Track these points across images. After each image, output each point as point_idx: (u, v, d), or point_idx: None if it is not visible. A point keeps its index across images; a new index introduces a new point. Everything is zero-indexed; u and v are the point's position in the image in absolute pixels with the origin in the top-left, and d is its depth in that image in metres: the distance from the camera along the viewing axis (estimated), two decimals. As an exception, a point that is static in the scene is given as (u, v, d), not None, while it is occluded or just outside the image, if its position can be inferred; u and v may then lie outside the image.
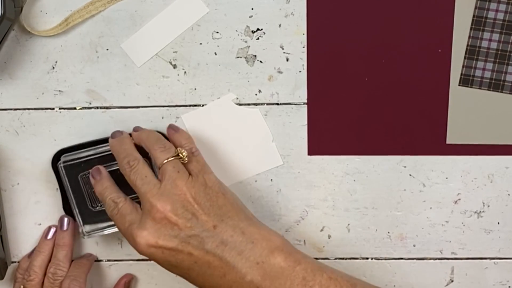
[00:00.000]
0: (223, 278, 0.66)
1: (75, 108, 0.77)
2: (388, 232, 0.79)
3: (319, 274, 0.66)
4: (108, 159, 0.74)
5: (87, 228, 0.76)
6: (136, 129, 0.74)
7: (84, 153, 0.76)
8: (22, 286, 0.77)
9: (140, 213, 0.69)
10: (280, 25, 0.74)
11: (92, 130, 0.77)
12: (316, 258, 0.80)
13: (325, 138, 0.76)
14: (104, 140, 0.76)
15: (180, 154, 0.70)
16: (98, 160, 0.75)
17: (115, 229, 0.75)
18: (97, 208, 0.76)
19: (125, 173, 0.70)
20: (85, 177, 0.75)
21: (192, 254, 0.66)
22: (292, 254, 0.67)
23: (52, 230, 0.78)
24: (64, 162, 0.75)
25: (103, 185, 0.72)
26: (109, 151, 0.74)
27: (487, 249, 0.79)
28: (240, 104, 0.76)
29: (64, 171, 0.75)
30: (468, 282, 0.80)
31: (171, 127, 0.75)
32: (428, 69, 0.74)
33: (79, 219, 0.76)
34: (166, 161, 0.69)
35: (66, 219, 0.77)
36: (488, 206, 0.78)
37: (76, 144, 0.77)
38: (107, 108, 0.77)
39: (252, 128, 0.76)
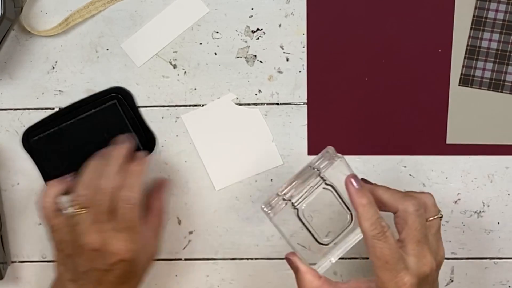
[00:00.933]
0: None
1: (75, 108, 0.77)
2: (388, 232, 0.79)
3: None
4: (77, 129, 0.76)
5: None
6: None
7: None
8: (74, 203, 0.71)
9: (402, 248, 0.66)
10: (280, 25, 0.74)
11: (92, 130, 0.77)
12: (316, 258, 0.80)
13: (325, 138, 0.76)
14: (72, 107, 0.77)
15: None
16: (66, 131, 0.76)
17: None
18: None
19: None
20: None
21: None
22: None
23: None
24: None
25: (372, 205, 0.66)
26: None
27: (487, 249, 0.79)
28: (240, 104, 0.76)
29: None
30: (468, 282, 0.80)
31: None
32: (428, 69, 0.74)
33: None
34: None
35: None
36: (488, 206, 0.78)
37: (43, 118, 0.77)
38: (107, 108, 0.77)
39: (252, 128, 0.76)
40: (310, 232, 0.70)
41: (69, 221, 0.71)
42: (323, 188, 0.69)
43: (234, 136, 0.77)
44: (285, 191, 0.70)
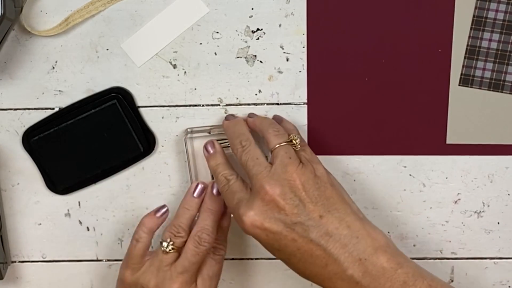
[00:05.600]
0: (324, 268, 0.66)
1: (75, 108, 0.77)
2: (388, 232, 0.79)
3: (420, 280, 0.66)
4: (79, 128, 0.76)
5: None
6: (251, 115, 0.75)
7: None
8: (169, 239, 0.72)
9: (249, 193, 0.69)
10: (280, 25, 0.74)
11: (92, 130, 0.77)
12: (316, 258, 0.80)
13: (325, 138, 0.76)
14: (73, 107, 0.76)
15: (293, 141, 0.70)
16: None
17: None
18: None
19: (236, 153, 0.71)
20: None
21: (295, 241, 0.66)
22: (395, 256, 0.66)
23: (200, 187, 0.74)
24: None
25: (216, 160, 0.73)
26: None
27: (487, 249, 0.79)
28: (240, 104, 0.76)
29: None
30: (468, 282, 0.80)
31: (275, 117, 0.75)
32: (428, 69, 0.74)
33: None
34: (278, 145, 0.69)
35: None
36: (488, 206, 0.78)
37: (43, 118, 0.77)
38: (107, 108, 0.77)
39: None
40: (212, 177, 0.75)
41: (156, 260, 0.72)
42: None
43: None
44: (214, 127, 0.75)
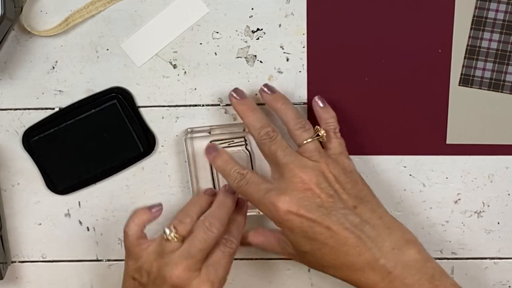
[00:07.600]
0: (358, 257, 0.67)
1: (75, 108, 0.77)
2: (388, 232, 0.79)
3: (445, 277, 0.67)
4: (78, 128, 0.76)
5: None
6: (266, 86, 0.73)
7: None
8: (173, 226, 0.70)
9: (271, 182, 0.70)
10: (280, 25, 0.74)
11: (92, 130, 0.77)
12: (316, 258, 0.80)
13: (325, 138, 0.76)
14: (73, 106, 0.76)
15: (319, 133, 0.71)
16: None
17: None
18: None
19: (264, 143, 0.70)
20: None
21: (330, 228, 0.67)
22: (423, 250, 0.68)
23: (211, 189, 0.75)
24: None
25: (223, 159, 0.73)
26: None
27: (487, 249, 0.79)
28: (240, 104, 0.76)
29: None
30: (468, 282, 0.80)
31: (319, 100, 0.74)
32: (428, 69, 0.74)
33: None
34: (306, 142, 0.70)
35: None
36: (488, 206, 0.78)
37: (43, 118, 0.77)
38: (107, 108, 0.77)
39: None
40: (213, 177, 0.76)
41: (159, 247, 0.70)
42: (243, 150, 0.75)
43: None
44: (214, 127, 0.75)
